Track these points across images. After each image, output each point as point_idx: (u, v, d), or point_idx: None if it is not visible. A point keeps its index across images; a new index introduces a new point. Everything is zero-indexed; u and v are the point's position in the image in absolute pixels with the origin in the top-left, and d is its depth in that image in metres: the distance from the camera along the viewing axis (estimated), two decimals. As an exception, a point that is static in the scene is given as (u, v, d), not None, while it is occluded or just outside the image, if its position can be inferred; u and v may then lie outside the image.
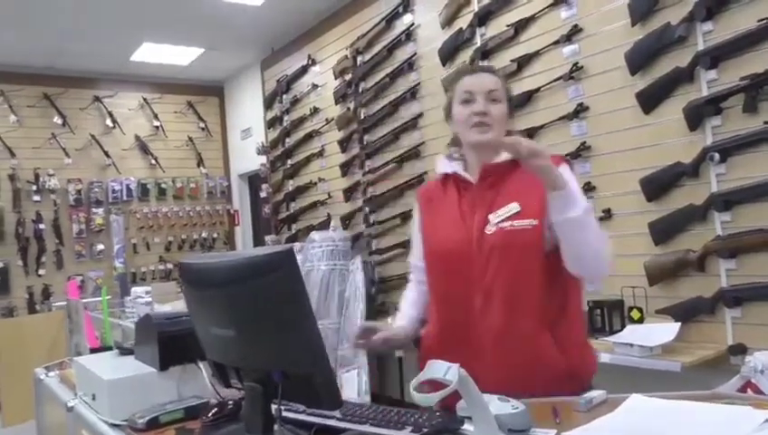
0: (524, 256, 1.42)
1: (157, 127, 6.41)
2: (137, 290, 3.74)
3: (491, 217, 1.46)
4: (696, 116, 2.51)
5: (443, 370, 0.88)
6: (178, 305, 3.23)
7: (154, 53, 5.68)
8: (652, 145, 2.70)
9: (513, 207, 1.44)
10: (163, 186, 6.43)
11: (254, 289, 1.02)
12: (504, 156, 1.50)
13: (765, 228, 2.33)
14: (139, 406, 1.36)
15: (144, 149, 6.34)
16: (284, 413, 1.17)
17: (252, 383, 1.16)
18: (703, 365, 2.38)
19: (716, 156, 2.45)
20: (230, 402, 1.33)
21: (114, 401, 1.38)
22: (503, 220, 1.44)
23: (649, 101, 2.69)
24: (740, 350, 2.42)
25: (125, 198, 6.21)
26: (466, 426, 1.09)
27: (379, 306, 4.47)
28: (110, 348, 1.98)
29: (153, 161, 6.35)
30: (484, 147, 1.50)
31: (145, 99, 6.37)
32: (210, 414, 1.31)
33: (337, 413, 1.12)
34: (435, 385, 0.95)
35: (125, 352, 1.69)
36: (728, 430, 0.97)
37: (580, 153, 2.97)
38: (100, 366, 1.53)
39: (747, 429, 0.96)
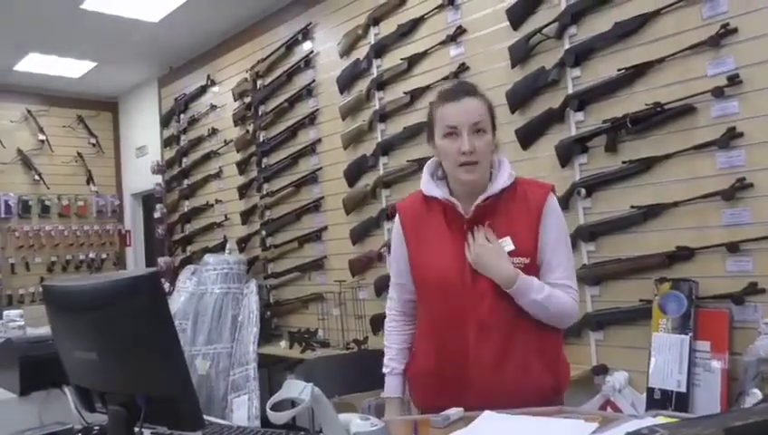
0: None
1: (42, 141, 6.07)
2: (10, 313, 3.50)
3: None
4: (566, 153, 2.73)
5: (299, 388, 0.93)
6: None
7: (41, 64, 5.40)
8: (529, 179, 2.89)
9: (507, 242, 1.46)
10: (47, 203, 6.07)
11: (116, 313, 1.03)
12: (494, 187, 1.51)
13: (622, 258, 2.56)
14: (-5, 434, 1.31)
15: (27, 163, 5.98)
16: (149, 437, 1.17)
17: (115, 407, 1.15)
18: (571, 385, 2.55)
19: (583, 191, 2.67)
20: (96, 428, 1.31)
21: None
22: None
23: (527, 137, 2.89)
24: (602, 370, 2.63)
25: (3, 214, 5.80)
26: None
27: (272, 330, 4.44)
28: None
29: (37, 177, 6.00)
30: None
31: (29, 111, 6.02)
32: (73, 441, 1.28)
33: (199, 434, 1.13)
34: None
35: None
36: (561, 441, 1.08)
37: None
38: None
39: (577, 438, 1.08)
